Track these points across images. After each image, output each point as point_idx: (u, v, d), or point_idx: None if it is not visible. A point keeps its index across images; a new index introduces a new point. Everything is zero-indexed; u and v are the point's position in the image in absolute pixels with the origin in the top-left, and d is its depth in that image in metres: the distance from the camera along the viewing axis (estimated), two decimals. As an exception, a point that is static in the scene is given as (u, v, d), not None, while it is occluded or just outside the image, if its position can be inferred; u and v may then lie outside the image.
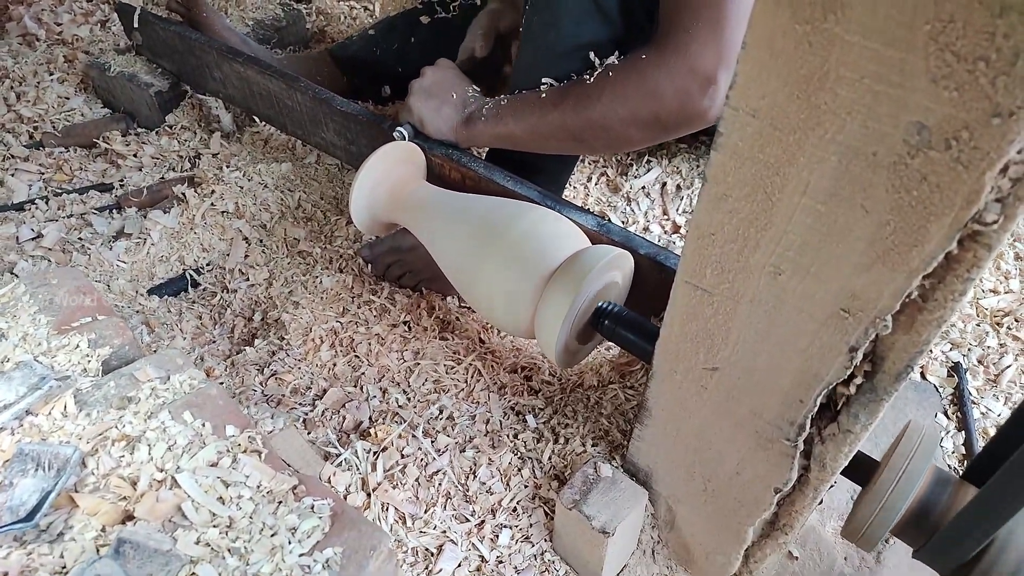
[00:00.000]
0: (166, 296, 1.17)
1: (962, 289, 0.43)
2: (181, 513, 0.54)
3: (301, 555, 0.53)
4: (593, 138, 0.89)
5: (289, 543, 0.53)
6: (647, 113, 0.83)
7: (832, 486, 0.77)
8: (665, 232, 1.31)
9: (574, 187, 1.39)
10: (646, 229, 1.32)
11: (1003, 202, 0.39)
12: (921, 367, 1.13)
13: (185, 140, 1.44)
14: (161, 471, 0.56)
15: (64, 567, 0.50)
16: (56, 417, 0.59)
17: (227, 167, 1.35)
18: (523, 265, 0.82)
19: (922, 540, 0.66)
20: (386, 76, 1.49)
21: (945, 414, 1.08)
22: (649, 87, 0.81)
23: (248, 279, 1.19)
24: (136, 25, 1.44)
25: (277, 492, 0.57)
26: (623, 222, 1.33)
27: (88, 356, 0.64)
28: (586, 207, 1.37)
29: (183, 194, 1.27)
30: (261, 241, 1.24)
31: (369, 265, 1.15)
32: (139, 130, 1.48)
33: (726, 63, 0.78)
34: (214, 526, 0.53)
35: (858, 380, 0.53)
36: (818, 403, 0.56)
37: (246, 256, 1.22)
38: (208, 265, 1.20)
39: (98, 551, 0.51)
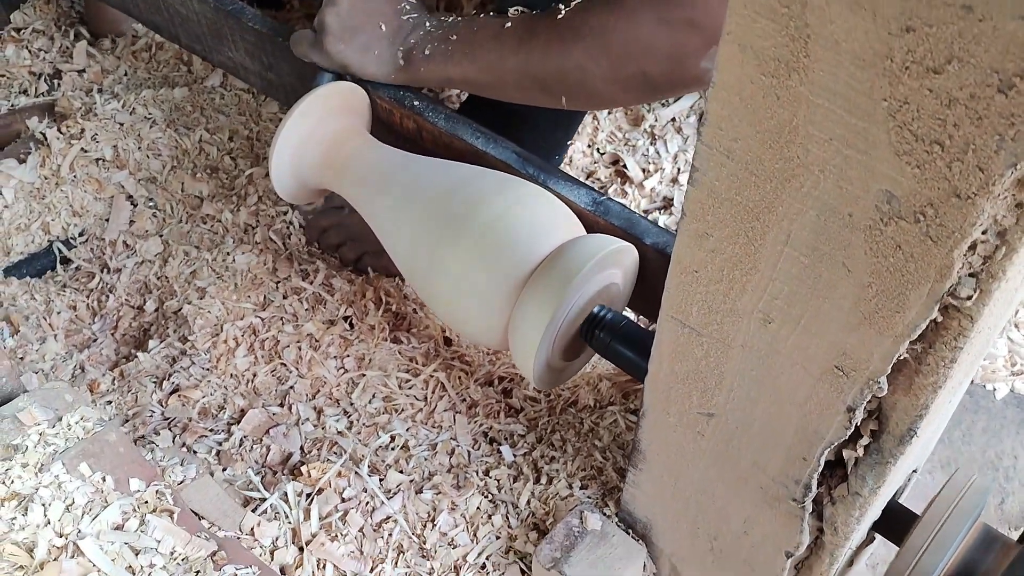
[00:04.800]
0: (28, 277, 1.33)
1: (952, 357, 0.60)
2: (86, 586, 0.72)
3: (224, 634, 0.71)
4: (565, 92, 1.03)
5: (210, 620, 0.71)
6: (633, 69, 0.97)
7: (870, 542, 0.95)
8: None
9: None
10: (674, 181, 1.48)
11: (977, 278, 0.55)
12: (1029, 375, 1.30)
13: (39, 49, 1.59)
14: (61, 536, 0.74)
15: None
16: (-69, 472, 0.76)
17: (99, 93, 1.49)
18: (494, 261, 0.98)
19: (964, 611, 0.84)
20: None
21: (1055, 438, 1.26)
22: (638, 38, 0.95)
23: (135, 253, 1.35)
24: None
25: (194, 560, 0.75)
26: (644, 170, 1.49)
27: (-41, 395, 0.81)
28: (594, 144, 1.53)
29: (42, 135, 1.42)
30: (151, 201, 1.40)
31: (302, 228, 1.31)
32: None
33: None
34: (124, 601, 0.71)
35: (865, 441, 0.70)
36: (822, 462, 0.73)
37: (131, 222, 1.38)
38: (82, 235, 1.37)
39: (-4, 630, 0.69)
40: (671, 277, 0.72)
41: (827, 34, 0.51)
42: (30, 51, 1.57)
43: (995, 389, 1.30)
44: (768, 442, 0.75)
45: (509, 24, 1.05)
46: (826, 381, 0.67)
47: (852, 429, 0.69)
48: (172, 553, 0.75)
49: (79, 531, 0.74)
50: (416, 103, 1.17)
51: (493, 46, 1.06)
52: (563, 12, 1.01)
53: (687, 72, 0.95)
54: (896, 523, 0.86)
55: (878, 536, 0.91)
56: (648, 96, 1.00)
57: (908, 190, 0.53)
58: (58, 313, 1.29)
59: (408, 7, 1.15)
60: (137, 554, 0.74)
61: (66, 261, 1.35)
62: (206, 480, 0.95)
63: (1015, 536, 0.96)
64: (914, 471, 0.94)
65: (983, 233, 0.53)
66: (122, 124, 1.45)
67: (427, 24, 1.13)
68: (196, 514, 0.86)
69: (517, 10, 1.07)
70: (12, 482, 0.76)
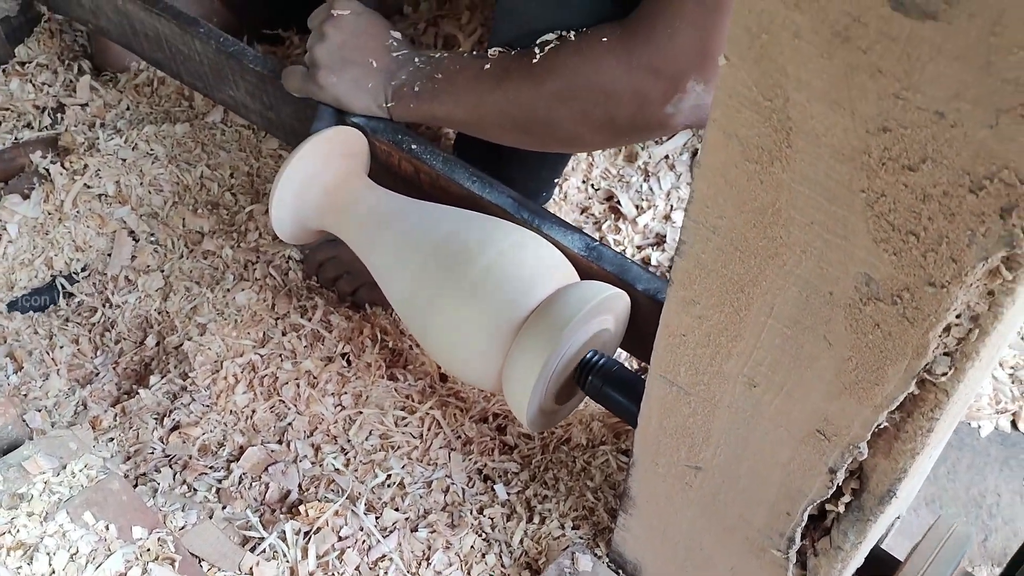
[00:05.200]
0: (30, 312, 1.35)
1: (929, 427, 0.62)
2: (90, 637, 0.73)
3: None
4: (539, 132, 1.06)
5: (211, 669, 0.73)
6: (600, 113, 1.00)
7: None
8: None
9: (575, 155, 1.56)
10: (667, 217, 1.49)
11: (951, 356, 0.57)
12: (1013, 414, 1.32)
13: (43, 83, 1.60)
14: (65, 588, 0.76)
15: None
16: (-61, 522, 0.78)
17: (102, 128, 1.51)
18: (489, 308, 1.00)
19: (944, 659, 0.86)
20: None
21: (1038, 476, 1.28)
22: (602, 82, 0.98)
23: (137, 288, 1.37)
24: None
25: (195, 609, 0.77)
26: (637, 206, 1.51)
27: (-34, 443, 0.83)
28: (588, 180, 1.55)
29: (46, 170, 1.44)
30: (152, 236, 1.41)
31: (301, 264, 1.33)
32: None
33: (700, 70, 0.95)
34: (127, 651, 0.73)
35: (846, 499, 0.72)
36: (806, 517, 0.75)
37: (133, 257, 1.39)
38: (84, 270, 1.38)
39: None
40: (660, 338, 0.74)
41: (808, 128, 0.53)
42: (34, 85, 1.59)
43: (980, 427, 1.31)
44: (753, 497, 0.77)
45: (488, 65, 1.08)
46: (808, 444, 0.69)
47: (834, 488, 0.71)
48: (174, 602, 0.76)
49: (83, 581, 0.76)
50: (414, 147, 1.19)
51: (473, 86, 1.09)
52: (537, 56, 1.04)
53: (651, 116, 0.98)
54: (879, 570, 0.88)
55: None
56: (615, 139, 1.05)
57: (886, 275, 0.55)
58: (60, 348, 1.31)
59: (396, 44, 1.18)
60: (140, 604, 0.76)
61: (68, 296, 1.37)
62: (206, 525, 0.97)
63: (995, 580, 0.98)
64: (897, 517, 0.96)
65: (957, 317, 0.55)
66: (124, 160, 1.46)
67: (416, 60, 1.16)
68: (196, 557, 0.88)
69: (496, 51, 1.10)
70: (18, 531, 0.78)
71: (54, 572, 0.76)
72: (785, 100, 0.53)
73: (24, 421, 0.89)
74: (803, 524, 0.76)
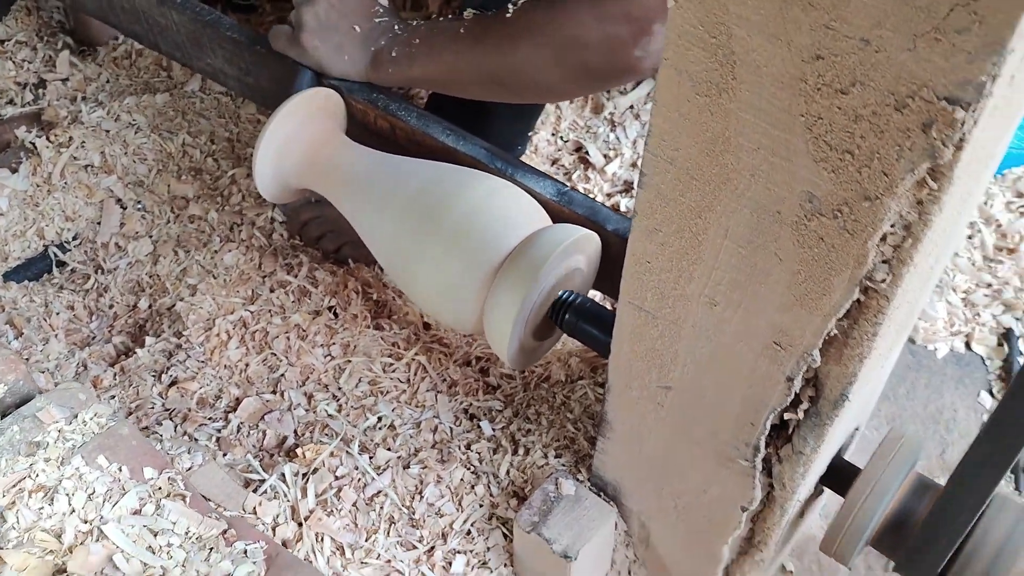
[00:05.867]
0: (26, 281, 1.39)
1: (874, 331, 0.67)
2: (113, 565, 0.78)
3: (239, 605, 0.78)
4: (517, 85, 1.10)
5: (225, 593, 0.78)
6: (573, 60, 1.04)
7: (819, 495, 1.03)
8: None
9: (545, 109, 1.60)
10: (634, 165, 1.54)
11: (889, 264, 0.62)
12: (967, 335, 1.39)
13: (23, 60, 1.63)
14: (86, 522, 0.80)
15: (2, 627, 0.74)
16: (-39, 470, 0.82)
17: (84, 101, 1.54)
18: (467, 254, 1.05)
19: (900, 552, 0.92)
20: None
21: (990, 392, 1.34)
22: (574, 31, 1.02)
23: (127, 254, 1.41)
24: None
25: (207, 538, 0.82)
26: (605, 155, 1.55)
27: (-18, 398, 0.87)
28: (557, 133, 1.59)
29: (32, 144, 1.47)
30: (139, 203, 1.45)
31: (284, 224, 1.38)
32: (-43, 48, 1.66)
33: (666, 13, 1.00)
34: (147, 577, 0.78)
35: (804, 406, 0.78)
36: (768, 426, 0.80)
37: (122, 224, 1.43)
38: (75, 239, 1.42)
39: (33, 609, 0.75)
40: (627, 267, 0.79)
41: (750, 60, 0.58)
42: (14, 62, 1.61)
43: (936, 349, 1.38)
44: (720, 410, 0.83)
45: (464, 26, 1.12)
46: (766, 355, 0.74)
47: (792, 396, 0.76)
48: (187, 533, 0.81)
49: (101, 517, 0.81)
50: (390, 104, 1.23)
51: (451, 47, 1.13)
52: (511, 11, 1.08)
53: (622, 61, 1.02)
54: (840, 477, 0.94)
55: (826, 489, 0.99)
56: (590, 85, 1.09)
57: (826, 191, 0.60)
58: (57, 314, 1.34)
59: (381, 10, 1.21)
60: (155, 535, 0.81)
61: (61, 264, 1.41)
62: (211, 466, 1.02)
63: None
64: (856, 429, 1.02)
65: (891, 227, 0.60)
66: (108, 131, 1.49)
67: (396, 27, 1.20)
68: (204, 497, 0.93)
69: (471, 12, 1.14)
70: (37, 475, 0.83)
71: (74, 511, 0.81)
72: (728, 36, 0.58)
73: (36, 384, 0.94)
74: (766, 433, 0.81)
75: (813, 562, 1.15)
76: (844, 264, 0.63)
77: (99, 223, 1.43)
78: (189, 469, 1.01)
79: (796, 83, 0.57)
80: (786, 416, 0.80)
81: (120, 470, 0.85)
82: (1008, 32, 0.47)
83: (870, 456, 0.92)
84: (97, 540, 0.79)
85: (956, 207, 0.63)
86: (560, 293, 1.06)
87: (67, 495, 0.82)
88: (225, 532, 0.83)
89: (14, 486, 0.82)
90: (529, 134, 1.48)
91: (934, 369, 1.36)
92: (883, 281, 0.63)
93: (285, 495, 1.09)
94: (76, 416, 0.88)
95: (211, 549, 0.81)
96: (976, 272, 1.42)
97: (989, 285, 1.42)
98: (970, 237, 1.46)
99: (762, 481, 0.88)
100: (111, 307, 1.37)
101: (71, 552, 0.78)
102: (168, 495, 0.84)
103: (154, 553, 0.80)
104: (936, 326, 1.38)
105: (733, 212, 0.67)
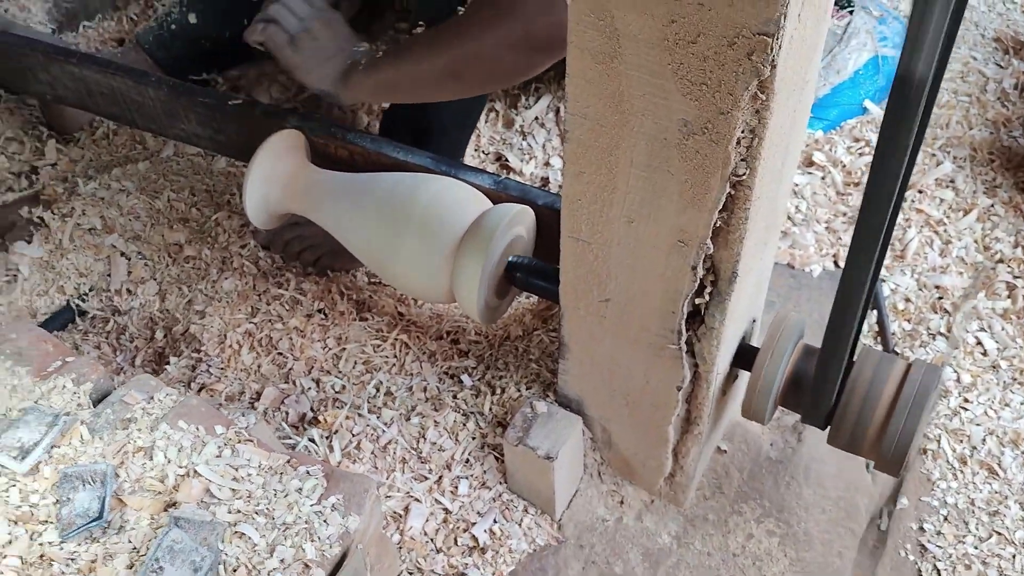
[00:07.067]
0: (55, 332, 1.54)
1: (745, 216, 0.90)
2: (210, 494, 0.96)
3: (312, 505, 0.96)
4: (471, 72, 1.28)
5: (299, 499, 0.97)
6: (518, 33, 1.20)
7: (733, 378, 1.25)
8: (567, 164, 1.76)
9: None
10: (547, 163, 1.77)
11: (746, 161, 0.85)
12: (834, 255, 1.64)
13: (13, 153, 1.79)
14: (182, 468, 0.98)
15: (135, 548, 0.91)
16: (76, 445, 0.99)
17: (77, 177, 1.71)
18: (433, 237, 1.25)
19: (801, 406, 1.14)
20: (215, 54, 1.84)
21: (859, 297, 1.58)
22: (515, 6, 1.19)
23: (138, 296, 1.57)
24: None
25: (276, 466, 1.00)
26: (522, 160, 1.78)
27: (76, 393, 1.04)
28: (479, 148, 1.81)
29: (39, 218, 1.63)
30: (140, 254, 1.62)
31: (266, 250, 1.56)
32: (-46, 150, 1.80)
33: None
34: (238, 498, 0.96)
35: (708, 289, 1.00)
36: (685, 312, 1.02)
37: (129, 273, 1.60)
38: (91, 290, 1.58)
39: (155, 532, 0.93)
40: (564, 207, 1.00)
41: (628, 32, 0.80)
42: (6, 155, 1.76)
43: (811, 270, 1.62)
44: (647, 307, 1.04)
45: (422, 33, 1.32)
46: (675, 252, 0.96)
47: (697, 283, 0.98)
48: (260, 465, 1.00)
49: (193, 462, 0.99)
50: (347, 134, 1.43)
51: (410, 52, 1.32)
52: (460, 12, 1.27)
53: (558, 27, 1.11)
54: (746, 356, 1.16)
55: (739, 372, 1.21)
56: (536, 56, 1.23)
57: (694, 116, 0.83)
58: (87, 354, 1.50)
59: (363, 48, 1.43)
60: (236, 469, 0.99)
61: (83, 313, 1.56)
62: (262, 425, 1.19)
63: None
64: (754, 321, 1.24)
65: (742, 132, 0.83)
66: (103, 198, 1.66)
67: (365, 48, 1.41)
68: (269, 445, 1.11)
69: (420, 25, 1.34)
70: (136, 441, 1.00)
71: (170, 461, 0.99)
72: (612, 17, 0.80)
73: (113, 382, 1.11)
74: (684, 318, 1.03)
75: (742, 442, 1.37)
76: (715, 167, 0.85)
77: (109, 274, 1.59)
78: (246, 427, 1.19)
79: (661, 42, 0.79)
80: (697, 301, 1.01)
81: (198, 429, 1.02)
82: (786, -18, 0.70)
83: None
84: (193, 478, 0.97)
85: (786, 116, 0.87)
86: (510, 258, 1.27)
87: (162, 451, 0.99)
88: (289, 461, 1.01)
89: (120, 451, 0.99)
90: (469, 137, 1.67)
91: (812, 286, 1.60)
92: (744, 174, 0.85)
93: (316, 452, 1.27)
94: (152, 397, 1.05)
95: (281, 474, 0.99)
96: (832, 205, 1.67)
97: (844, 214, 1.67)
98: (823, 178, 1.71)
99: (688, 362, 1.09)
100: (132, 342, 1.53)
101: (176, 490, 0.96)
102: (240, 441, 1.02)
103: (239, 481, 0.97)
104: (808, 252, 1.63)
105: (633, 146, 0.89)
